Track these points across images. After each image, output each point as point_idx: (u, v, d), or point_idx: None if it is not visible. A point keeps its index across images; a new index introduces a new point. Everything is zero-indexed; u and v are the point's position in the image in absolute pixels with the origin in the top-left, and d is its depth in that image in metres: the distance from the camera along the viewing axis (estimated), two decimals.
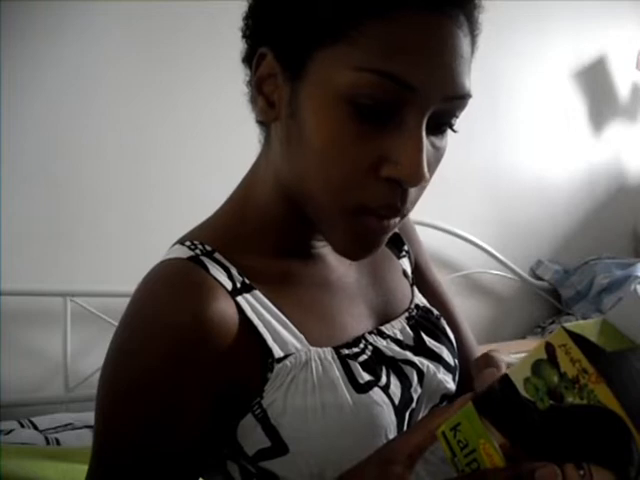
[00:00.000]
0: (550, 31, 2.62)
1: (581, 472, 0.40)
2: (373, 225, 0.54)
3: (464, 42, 0.51)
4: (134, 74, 1.82)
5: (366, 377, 0.58)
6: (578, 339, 0.40)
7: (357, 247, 0.56)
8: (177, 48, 1.85)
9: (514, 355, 0.56)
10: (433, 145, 0.54)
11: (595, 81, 2.78)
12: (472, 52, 0.54)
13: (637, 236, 2.94)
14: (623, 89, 2.85)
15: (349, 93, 0.49)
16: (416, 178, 0.50)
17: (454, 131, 0.55)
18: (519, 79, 2.57)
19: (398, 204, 0.53)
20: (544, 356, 0.41)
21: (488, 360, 0.51)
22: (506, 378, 0.43)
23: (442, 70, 0.50)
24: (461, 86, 0.51)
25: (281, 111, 0.54)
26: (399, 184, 0.51)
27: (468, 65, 0.53)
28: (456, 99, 0.52)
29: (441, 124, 0.54)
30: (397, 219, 0.55)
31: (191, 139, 1.89)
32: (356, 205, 0.52)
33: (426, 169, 0.50)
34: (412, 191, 0.53)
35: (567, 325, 0.41)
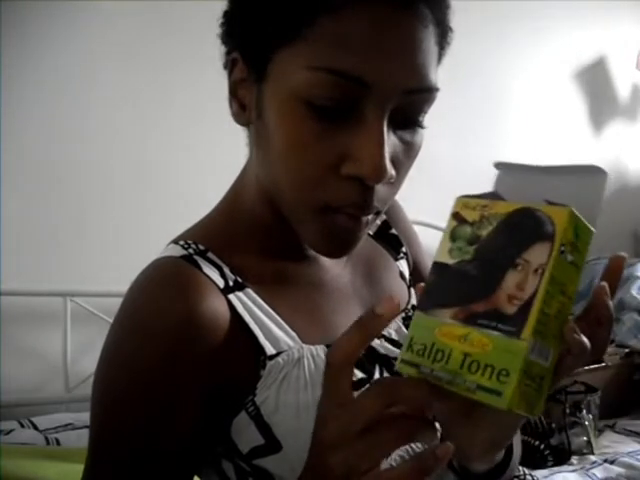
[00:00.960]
0: (550, 31, 2.62)
1: (519, 267, 0.42)
2: (344, 223, 0.53)
3: (424, 33, 0.50)
4: (134, 74, 1.82)
5: (359, 374, 0.58)
6: (473, 197, 0.47)
7: (332, 245, 0.55)
8: (178, 47, 1.85)
9: None
10: (402, 140, 0.53)
11: (595, 81, 2.78)
12: (441, 43, 0.53)
13: (637, 236, 2.94)
14: (623, 89, 2.85)
15: (304, 92, 0.49)
16: (377, 174, 0.49)
17: (422, 127, 0.54)
18: (519, 79, 2.58)
19: (363, 202, 0.52)
20: (454, 223, 0.47)
21: None
22: (433, 264, 0.47)
23: (397, 63, 0.48)
24: (422, 79, 0.50)
25: (252, 114, 0.55)
26: (361, 181, 0.50)
27: (432, 57, 0.51)
28: (418, 92, 0.51)
29: (408, 119, 0.52)
30: (369, 217, 0.54)
31: (190, 141, 1.89)
32: (322, 204, 0.52)
33: (388, 164, 0.49)
34: (380, 188, 0.52)
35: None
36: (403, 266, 0.75)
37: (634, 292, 2.39)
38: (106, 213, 1.79)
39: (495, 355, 0.41)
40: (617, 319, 2.29)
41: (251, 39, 0.53)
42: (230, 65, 0.56)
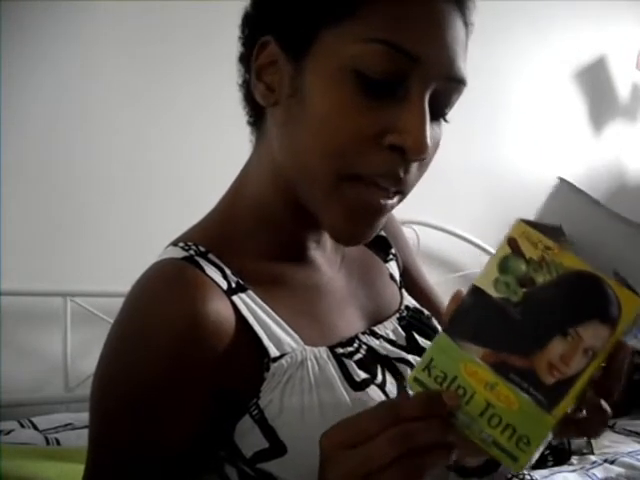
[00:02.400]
0: (550, 31, 2.61)
1: (569, 338, 0.41)
2: (370, 199, 0.54)
3: (463, 30, 0.54)
4: (134, 74, 1.82)
5: (362, 375, 0.58)
6: (535, 226, 0.43)
7: (352, 226, 0.56)
8: (178, 48, 1.85)
9: None
10: (432, 128, 0.54)
11: (595, 81, 2.78)
12: (466, 42, 0.56)
13: None
14: (623, 89, 2.85)
15: (356, 63, 0.51)
16: (420, 148, 0.51)
17: (446, 121, 0.57)
18: (519, 79, 2.57)
19: (400, 173, 0.53)
20: (508, 251, 0.43)
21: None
22: (474, 288, 0.44)
23: (444, 46, 0.52)
24: (460, 69, 0.53)
25: (281, 94, 0.55)
26: (402, 153, 0.52)
27: (464, 52, 0.55)
28: (454, 81, 0.54)
29: (439, 109, 0.55)
30: (394, 199, 0.56)
31: (190, 141, 1.89)
32: (353, 173, 0.53)
33: (429, 140, 0.52)
34: (413, 168, 0.54)
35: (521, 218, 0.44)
36: (393, 267, 0.76)
37: None
38: (106, 213, 1.79)
39: (519, 417, 0.40)
40: None
41: (294, 21, 0.54)
42: (257, 50, 0.56)
